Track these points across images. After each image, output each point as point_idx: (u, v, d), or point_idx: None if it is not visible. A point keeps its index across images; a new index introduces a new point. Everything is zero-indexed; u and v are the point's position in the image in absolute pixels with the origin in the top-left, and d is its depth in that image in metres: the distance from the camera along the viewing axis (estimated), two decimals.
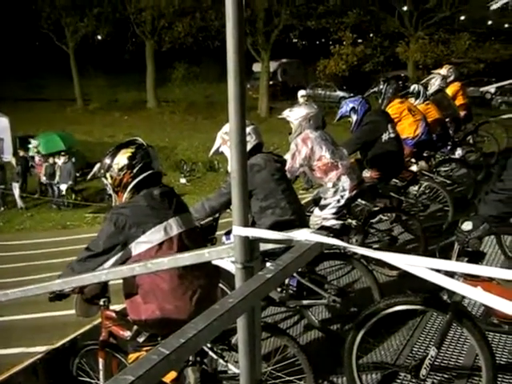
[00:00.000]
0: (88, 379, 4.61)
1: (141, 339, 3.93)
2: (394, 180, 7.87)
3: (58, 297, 4.06)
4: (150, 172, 3.84)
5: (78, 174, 23.82)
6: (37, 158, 24.51)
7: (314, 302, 5.33)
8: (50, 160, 23.92)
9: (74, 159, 24.06)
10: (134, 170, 3.80)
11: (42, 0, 39.55)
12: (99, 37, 46.61)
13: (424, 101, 9.39)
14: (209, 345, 3.77)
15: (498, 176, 3.20)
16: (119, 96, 45.22)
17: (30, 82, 47.40)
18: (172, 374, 3.64)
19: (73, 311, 4.30)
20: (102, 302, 4.29)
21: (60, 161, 23.41)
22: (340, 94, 39.12)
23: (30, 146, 25.07)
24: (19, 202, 23.24)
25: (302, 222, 5.40)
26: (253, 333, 2.75)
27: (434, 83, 10.24)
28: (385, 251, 2.43)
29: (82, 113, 42.84)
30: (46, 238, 17.43)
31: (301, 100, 14.37)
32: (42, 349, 5.50)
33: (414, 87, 9.71)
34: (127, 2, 39.39)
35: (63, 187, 22.94)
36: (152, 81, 43.00)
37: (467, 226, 3.32)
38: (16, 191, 23.20)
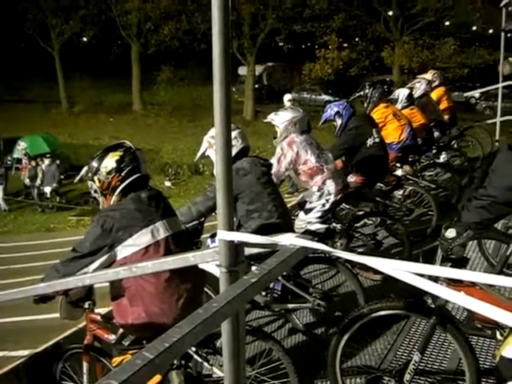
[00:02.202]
0: None
1: (126, 342, 3.93)
2: (378, 184, 7.89)
3: (43, 299, 4.03)
4: (137, 175, 3.84)
5: (62, 177, 23.70)
6: (23, 160, 24.32)
7: (298, 305, 5.35)
8: (33, 162, 23.79)
9: (58, 161, 23.94)
10: (123, 174, 3.80)
11: (28, 1, 39.31)
12: (85, 39, 46.49)
13: (408, 105, 9.43)
14: (193, 348, 3.78)
15: (481, 181, 3.22)
16: (104, 98, 45.00)
17: (15, 83, 47.10)
18: (156, 378, 3.63)
19: (57, 314, 4.29)
20: (86, 305, 4.28)
21: (44, 163, 23.28)
22: (325, 97, 39.11)
23: (18, 147, 24.85)
24: (3, 205, 23.11)
25: (288, 226, 5.43)
26: (237, 336, 2.75)
27: (419, 88, 10.27)
28: (369, 255, 2.44)
29: (67, 115, 42.61)
30: (30, 241, 17.31)
31: (287, 104, 14.36)
32: (25, 353, 5.48)
33: (395, 93, 9.75)
34: (113, 5, 39.26)
35: (47, 189, 22.82)
36: (137, 83, 42.83)
37: (451, 233, 3.33)
38: (0, 193, 23.05)
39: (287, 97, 15.77)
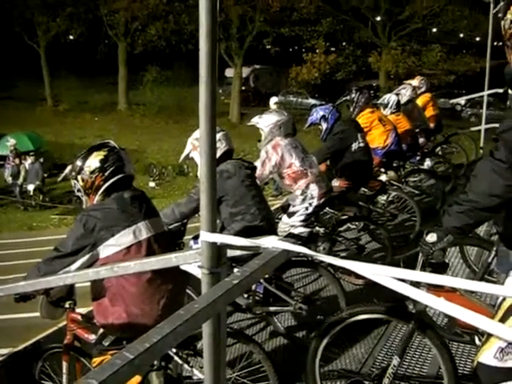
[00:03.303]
0: (51, 383, 4.57)
1: (106, 343, 3.91)
2: (362, 189, 7.93)
3: (24, 298, 4.02)
4: (121, 175, 3.83)
5: (45, 175, 23.54)
6: (10, 157, 24.05)
7: (280, 308, 5.35)
8: (16, 160, 23.56)
9: (41, 159, 23.76)
10: (106, 173, 3.79)
11: None
12: (71, 37, 46.22)
13: (395, 111, 9.45)
14: (174, 350, 3.77)
15: (464, 188, 3.24)
16: (90, 97, 44.71)
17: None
18: (136, 379, 3.62)
19: (37, 313, 4.26)
20: (67, 305, 4.26)
21: (28, 161, 23.09)
22: (312, 101, 39.20)
23: (7, 143, 24.55)
24: None
25: (272, 229, 5.43)
26: (218, 339, 2.75)
27: (405, 94, 10.30)
28: (351, 260, 2.45)
29: (52, 113, 42.18)
30: (12, 239, 17.22)
31: (273, 107, 14.37)
32: (4, 351, 5.44)
33: (384, 98, 9.77)
34: (101, 3, 39.08)
35: (31, 188, 22.64)
36: (124, 83, 42.61)
37: (431, 237, 3.35)
38: None
39: (273, 100, 15.79)
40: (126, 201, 3.78)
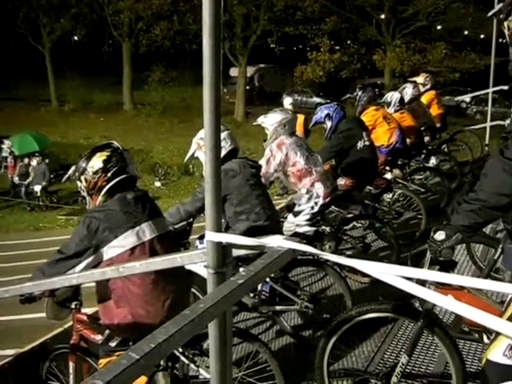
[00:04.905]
0: None
1: (113, 344, 3.91)
2: (368, 187, 7.90)
3: (29, 299, 4.01)
4: (124, 176, 3.82)
5: (51, 176, 23.56)
6: (9, 159, 24.12)
7: (286, 308, 5.35)
8: (25, 160, 23.60)
9: (47, 160, 23.80)
10: (109, 174, 3.78)
11: None
12: (76, 38, 46.25)
13: (399, 109, 9.42)
14: (180, 349, 3.77)
15: (471, 185, 3.22)
16: (95, 98, 44.70)
17: (4, 81, 46.73)
18: (142, 379, 3.62)
19: (43, 314, 4.26)
20: (73, 305, 4.26)
21: (34, 162, 23.12)
22: (316, 100, 39.08)
23: (3, 146, 24.64)
24: None
25: (276, 228, 5.42)
26: (224, 338, 2.74)
27: (407, 92, 10.26)
28: (357, 258, 2.43)
29: (57, 114, 42.19)
30: (18, 240, 17.23)
31: (289, 107, 14.27)
32: (11, 352, 5.44)
33: (387, 96, 9.74)
34: (105, 4, 39.13)
35: (37, 188, 22.67)
36: (128, 83, 42.66)
37: (440, 235, 3.33)
38: None
39: (288, 100, 15.60)
40: (129, 202, 3.77)
